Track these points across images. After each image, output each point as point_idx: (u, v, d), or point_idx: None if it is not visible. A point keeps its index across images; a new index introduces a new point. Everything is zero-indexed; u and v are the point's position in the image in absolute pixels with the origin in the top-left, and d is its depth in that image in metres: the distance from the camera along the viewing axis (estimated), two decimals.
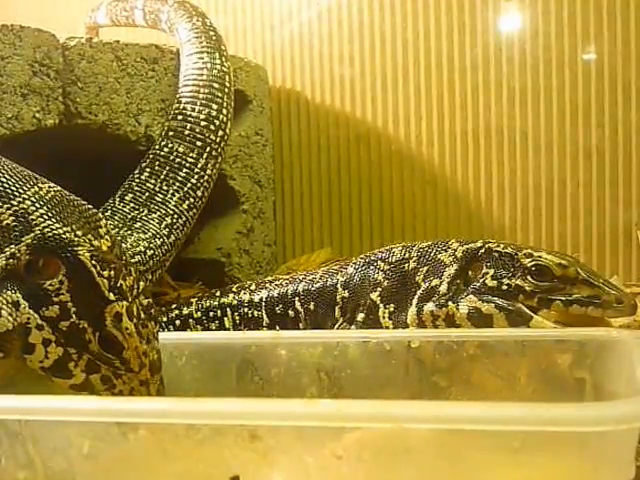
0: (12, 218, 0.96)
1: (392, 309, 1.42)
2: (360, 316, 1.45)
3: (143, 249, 1.80)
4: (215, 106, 2.03)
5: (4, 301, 0.94)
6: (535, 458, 0.73)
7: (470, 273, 1.35)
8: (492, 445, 0.74)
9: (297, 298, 1.54)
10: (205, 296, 1.72)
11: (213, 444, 0.80)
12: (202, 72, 2.06)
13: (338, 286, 1.50)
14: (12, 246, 0.95)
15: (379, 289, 1.44)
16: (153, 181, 1.94)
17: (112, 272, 0.99)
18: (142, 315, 1.02)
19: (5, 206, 0.97)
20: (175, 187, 1.94)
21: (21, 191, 0.98)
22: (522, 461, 0.73)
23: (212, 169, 2.01)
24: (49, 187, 1.02)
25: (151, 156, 1.98)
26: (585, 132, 2.21)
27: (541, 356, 1.08)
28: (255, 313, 1.60)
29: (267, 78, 2.48)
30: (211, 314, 1.66)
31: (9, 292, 0.95)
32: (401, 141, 2.44)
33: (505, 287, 1.30)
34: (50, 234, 0.97)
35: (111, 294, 0.98)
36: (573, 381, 1.06)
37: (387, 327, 1.42)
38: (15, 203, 0.97)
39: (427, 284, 1.38)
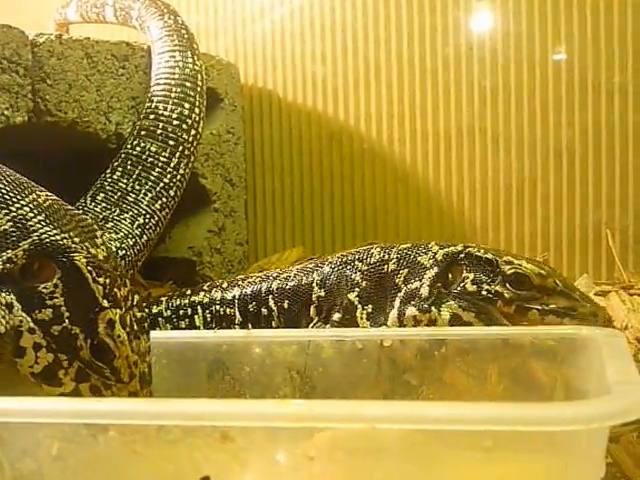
0: (10, 224, 0.97)
1: (370, 310, 1.41)
2: (336, 316, 1.44)
3: (115, 249, 1.78)
4: (187, 105, 2.02)
5: None
6: (507, 457, 0.74)
7: (450, 277, 1.35)
8: (464, 444, 0.74)
9: (271, 296, 1.53)
10: (175, 295, 1.70)
11: (184, 445, 0.79)
12: (174, 71, 2.05)
13: (314, 285, 1.49)
14: (9, 251, 0.96)
15: (357, 289, 1.43)
16: (125, 181, 1.93)
17: (107, 280, 0.99)
18: (135, 327, 1.02)
19: (3, 212, 0.97)
20: (147, 187, 1.93)
21: (19, 197, 0.99)
22: (494, 460, 0.74)
23: (185, 168, 2.00)
24: (46, 195, 1.03)
25: (123, 155, 1.97)
26: (556, 132, 2.22)
27: (512, 355, 1.08)
28: (227, 311, 1.59)
29: (239, 76, 2.47)
30: (181, 312, 1.65)
31: (3, 294, 0.95)
32: (373, 139, 2.44)
33: (484, 292, 1.30)
34: (47, 240, 0.97)
35: (105, 301, 0.98)
36: (543, 379, 1.06)
37: (365, 327, 1.41)
38: (13, 209, 0.98)
39: (408, 287, 1.37)
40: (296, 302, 1.50)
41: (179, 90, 2.02)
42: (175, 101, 2.02)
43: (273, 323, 1.52)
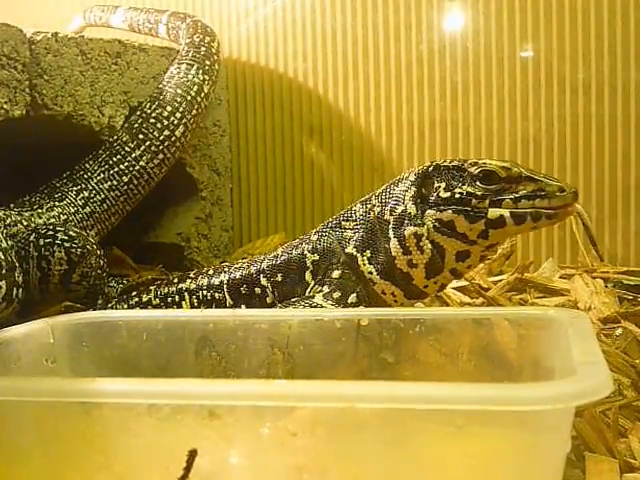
0: None
1: (369, 254, 1.41)
2: (335, 273, 1.42)
3: (57, 214, 1.88)
4: (169, 108, 2.07)
5: None
6: (478, 435, 0.73)
7: (424, 191, 1.35)
8: (438, 422, 0.74)
9: (262, 275, 1.52)
10: (163, 283, 1.70)
11: (174, 422, 0.79)
12: (171, 79, 2.11)
13: (306, 253, 1.48)
14: None
15: (352, 242, 1.43)
16: (91, 162, 2.01)
17: None
18: None
19: None
20: (103, 168, 2.00)
21: None
22: (466, 438, 0.73)
23: (148, 162, 2.04)
24: None
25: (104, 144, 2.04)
26: (523, 124, 2.22)
27: (482, 333, 1.08)
28: (217, 295, 1.58)
29: (225, 72, 2.47)
30: (169, 299, 1.65)
31: None
32: (351, 131, 2.44)
33: (458, 195, 1.29)
34: None
35: None
36: (512, 357, 1.06)
37: (370, 272, 1.39)
38: None
39: (395, 214, 1.37)
40: (290, 272, 1.49)
41: (167, 95, 2.08)
42: (160, 103, 2.07)
43: (268, 299, 1.51)
